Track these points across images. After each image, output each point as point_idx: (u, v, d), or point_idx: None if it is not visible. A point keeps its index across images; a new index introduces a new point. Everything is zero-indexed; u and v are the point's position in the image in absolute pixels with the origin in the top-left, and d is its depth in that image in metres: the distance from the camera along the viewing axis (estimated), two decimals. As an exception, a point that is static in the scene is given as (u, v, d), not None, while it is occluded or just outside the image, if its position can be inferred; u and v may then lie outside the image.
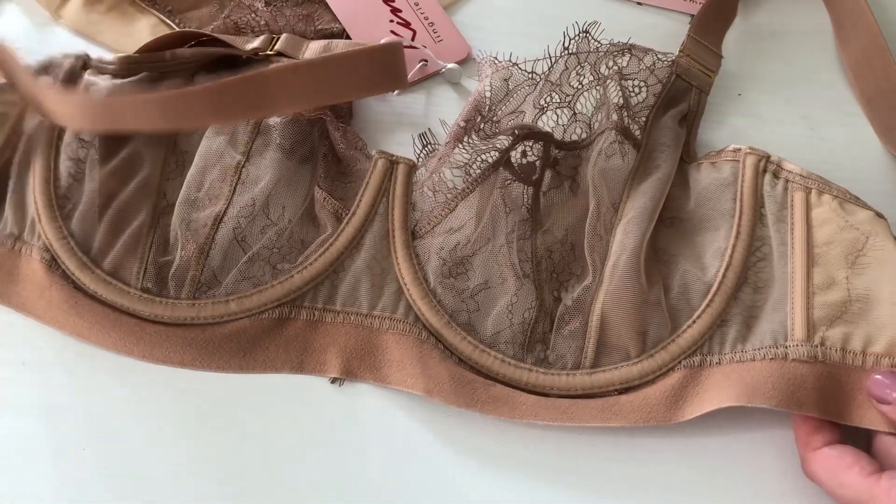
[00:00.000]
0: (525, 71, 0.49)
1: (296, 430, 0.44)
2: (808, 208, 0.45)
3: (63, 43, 0.53)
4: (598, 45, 0.49)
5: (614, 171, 0.47)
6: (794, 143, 0.53)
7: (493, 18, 0.58)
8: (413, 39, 0.57)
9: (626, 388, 0.44)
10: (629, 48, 0.50)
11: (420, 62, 0.55)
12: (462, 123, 0.47)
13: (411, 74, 0.55)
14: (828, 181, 0.46)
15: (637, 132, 0.49)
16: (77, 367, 0.44)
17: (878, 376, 0.41)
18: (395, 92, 0.54)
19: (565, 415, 0.43)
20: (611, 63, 0.50)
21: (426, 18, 0.57)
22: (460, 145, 0.47)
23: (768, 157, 0.47)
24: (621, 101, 0.49)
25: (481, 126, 0.48)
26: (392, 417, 0.44)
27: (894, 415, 0.40)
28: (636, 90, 0.50)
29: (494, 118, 0.48)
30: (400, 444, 0.44)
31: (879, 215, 0.45)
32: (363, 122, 0.53)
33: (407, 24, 0.57)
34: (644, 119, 0.50)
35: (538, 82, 0.49)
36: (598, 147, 0.48)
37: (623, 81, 0.49)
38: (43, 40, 0.50)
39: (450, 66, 0.55)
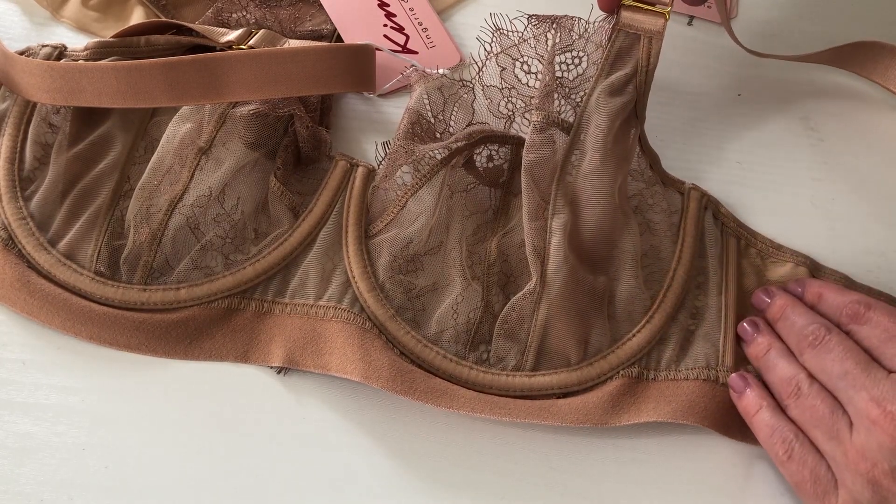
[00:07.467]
0: (453, 79, 0.49)
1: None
2: (739, 255, 0.48)
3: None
4: (518, 33, 0.48)
5: (542, 164, 0.46)
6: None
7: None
8: (406, 44, 0.56)
9: (565, 394, 0.44)
10: (552, 21, 0.47)
11: (410, 67, 0.55)
12: (408, 126, 0.47)
13: (401, 80, 0.54)
14: (754, 232, 0.49)
15: (570, 114, 0.47)
16: (77, 367, 0.44)
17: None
18: (370, 94, 0.54)
19: (503, 410, 0.43)
20: (543, 43, 0.48)
21: (420, 24, 0.57)
22: (411, 145, 0.47)
23: (708, 195, 0.49)
24: (551, 83, 0.47)
25: (434, 127, 0.47)
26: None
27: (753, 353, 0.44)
28: (575, 62, 0.48)
29: (444, 123, 0.48)
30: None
31: (802, 263, 0.48)
32: (349, 122, 0.53)
33: (400, 29, 0.57)
34: (581, 95, 0.48)
35: (472, 86, 0.49)
36: (527, 141, 0.46)
37: (559, 56, 0.48)
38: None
39: (440, 72, 0.54)
